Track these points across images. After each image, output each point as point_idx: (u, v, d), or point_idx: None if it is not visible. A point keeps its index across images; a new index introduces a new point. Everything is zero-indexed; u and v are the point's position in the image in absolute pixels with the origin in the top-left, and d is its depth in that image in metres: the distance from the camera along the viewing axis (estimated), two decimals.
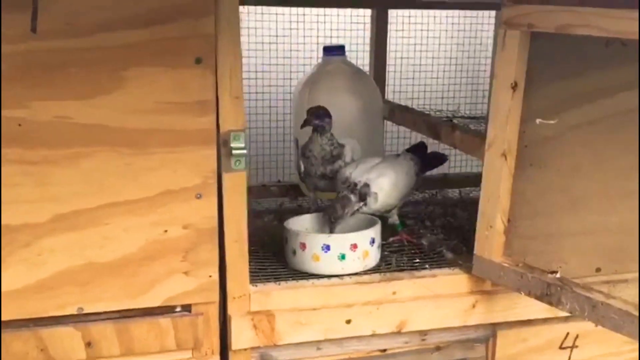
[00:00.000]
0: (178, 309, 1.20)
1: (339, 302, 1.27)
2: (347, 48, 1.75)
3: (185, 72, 1.10)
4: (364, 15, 1.94)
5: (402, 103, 1.86)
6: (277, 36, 1.96)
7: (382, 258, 1.37)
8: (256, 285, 1.24)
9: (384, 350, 1.33)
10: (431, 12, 2.06)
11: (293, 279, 1.29)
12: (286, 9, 1.93)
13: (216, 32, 1.09)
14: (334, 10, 1.97)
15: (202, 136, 1.12)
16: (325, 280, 1.28)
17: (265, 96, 1.97)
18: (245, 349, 1.24)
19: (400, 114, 1.74)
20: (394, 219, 1.48)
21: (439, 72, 2.13)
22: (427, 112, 1.72)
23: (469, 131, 1.44)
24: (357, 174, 1.40)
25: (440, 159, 1.61)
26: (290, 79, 1.95)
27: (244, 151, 1.14)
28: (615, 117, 1.28)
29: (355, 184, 1.38)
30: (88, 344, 1.16)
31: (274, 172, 1.97)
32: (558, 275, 1.19)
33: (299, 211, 1.62)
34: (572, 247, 1.32)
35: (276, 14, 1.94)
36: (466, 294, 1.33)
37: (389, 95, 1.97)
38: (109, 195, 1.11)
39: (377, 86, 1.79)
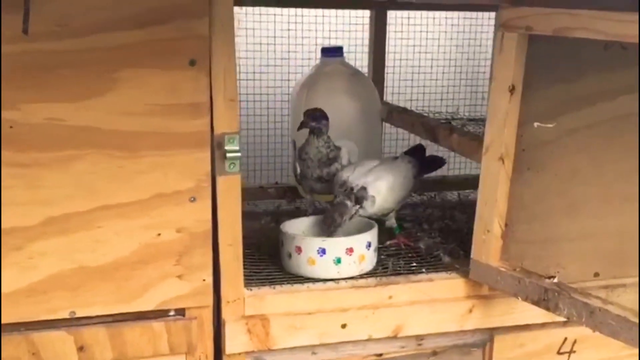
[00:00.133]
0: (171, 313, 1.19)
1: (334, 306, 1.26)
2: (345, 49, 1.74)
3: (178, 74, 1.08)
4: (363, 16, 1.93)
5: (401, 105, 1.85)
6: (274, 37, 1.95)
7: (379, 262, 1.36)
8: (251, 289, 1.23)
9: (380, 354, 1.32)
10: (430, 13, 2.05)
11: (288, 283, 1.27)
12: (284, 10, 1.92)
13: (210, 34, 1.08)
14: (332, 12, 1.96)
15: (196, 139, 1.11)
16: (320, 284, 1.27)
17: (263, 97, 1.96)
18: (240, 354, 1.24)
19: (398, 115, 1.73)
20: (392, 222, 1.47)
21: (438, 73, 2.12)
22: (426, 114, 1.71)
23: (467, 134, 1.43)
24: (354, 177, 1.39)
25: (439, 162, 1.60)
26: (288, 80, 1.94)
27: (238, 154, 1.12)
28: (615, 121, 1.27)
29: (352, 188, 1.37)
30: (80, 348, 1.15)
31: (272, 173, 1.96)
32: (555, 280, 1.18)
33: (297, 213, 1.61)
34: (570, 251, 1.31)
35: (274, 14, 1.93)
36: (463, 299, 1.32)
37: (388, 97, 1.96)
38: (100, 198, 1.10)
39: (376, 88, 1.78)
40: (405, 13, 2.01)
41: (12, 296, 1.10)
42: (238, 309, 1.21)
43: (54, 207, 1.09)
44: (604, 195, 1.31)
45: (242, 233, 1.18)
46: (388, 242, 1.46)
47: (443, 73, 2.13)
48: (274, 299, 1.23)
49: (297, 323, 1.24)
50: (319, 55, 1.72)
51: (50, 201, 1.08)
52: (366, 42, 1.87)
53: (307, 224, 1.42)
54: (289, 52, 1.97)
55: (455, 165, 2.06)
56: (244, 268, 1.21)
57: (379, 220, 1.40)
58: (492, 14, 2.01)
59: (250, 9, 1.88)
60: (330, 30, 1.97)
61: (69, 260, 1.11)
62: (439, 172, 1.71)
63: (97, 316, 1.15)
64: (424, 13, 2.04)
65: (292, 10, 1.93)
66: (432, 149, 1.64)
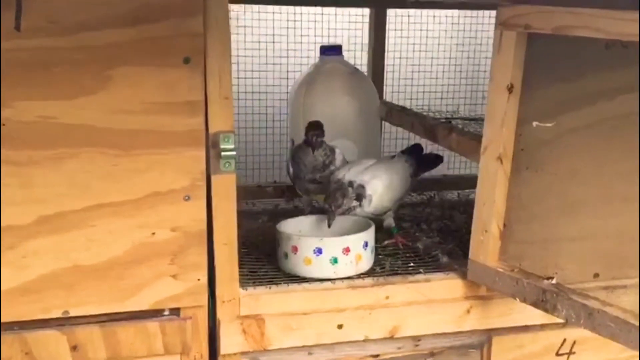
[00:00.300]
0: (166, 313, 1.18)
1: (330, 306, 1.25)
2: (344, 48, 1.74)
3: (173, 72, 1.07)
4: (362, 14, 1.92)
5: (401, 104, 1.84)
6: (273, 35, 1.94)
7: (376, 262, 1.35)
8: (246, 289, 1.22)
9: (377, 355, 1.31)
10: (430, 11, 2.03)
11: (284, 283, 1.26)
12: (283, 8, 1.91)
13: (205, 31, 1.07)
14: (332, 9, 1.95)
15: (190, 137, 1.10)
16: (317, 284, 1.26)
17: (262, 96, 1.95)
18: (235, 354, 1.22)
19: (397, 114, 1.72)
20: (389, 222, 1.46)
21: (438, 72, 2.11)
22: (425, 114, 1.70)
23: (466, 134, 1.42)
24: (350, 175, 1.38)
25: (436, 160, 1.59)
26: (287, 78, 1.93)
27: (234, 153, 1.11)
28: (615, 121, 1.26)
29: (351, 182, 1.36)
30: (74, 348, 1.14)
31: (270, 172, 1.95)
32: (554, 281, 1.17)
33: (295, 212, 1.60)
34: (569, 252, 1.30)
35: (273, 12, 1.92)
36: (461, 299, 1.30)
37: (388, 96, 1.95)
38: (94, 197, 1.09)
39: (375, 87, 1.77)
40: (405, 11, 2.00)
41: (5, 295, 1.09)
42: (233, 309, 1.20)
43: (48, 206, 1.08)
44: (604, 195, 1.30)
45: (239, 232, 1.17)
46: (386, 242, 1.45)
47: (443, 72, 2.12)
48: (269, 299, 1.22)
49: (293, 323, 1.23)
50: (318, 53, 1.71)
51: (44, 200, 1.07)
52: (365, 40, 1.87)
53: (304, 224, 1.41)
54: (287, 50, 1.96)
55: (455, 164, 2.05)
56: (241, 268, 1.20)
57: (376, 221, 1.39)
58: (493, 12, 1.99)
59: (249, 6, 1.87)
60: (329, 29, 1.96)
61: (62, 259, 1.10)
62: (438, 172, 1.70)
63: (91, 315, 1.14)
64: (424, 11, 2.03)
65: (291, 8, 1.93)
66: (432, 149, 1.63)
